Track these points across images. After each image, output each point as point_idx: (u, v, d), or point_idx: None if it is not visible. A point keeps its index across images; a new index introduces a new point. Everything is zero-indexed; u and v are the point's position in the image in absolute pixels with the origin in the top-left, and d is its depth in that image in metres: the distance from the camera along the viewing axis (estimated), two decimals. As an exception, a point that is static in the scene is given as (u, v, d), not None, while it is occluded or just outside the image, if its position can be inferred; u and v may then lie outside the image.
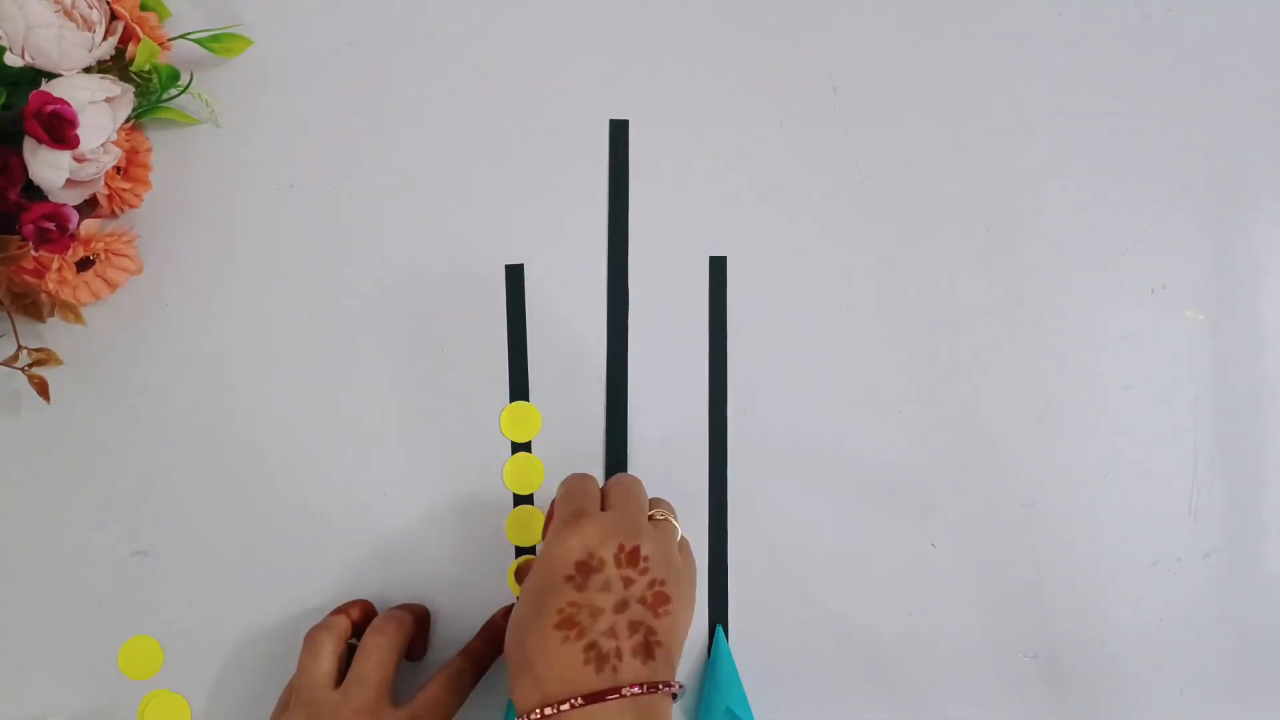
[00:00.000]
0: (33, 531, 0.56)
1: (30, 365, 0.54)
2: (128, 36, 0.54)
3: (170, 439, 0.57)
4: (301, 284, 0.59)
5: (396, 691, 0.51)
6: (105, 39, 0.53)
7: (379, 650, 0.50)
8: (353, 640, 0.53)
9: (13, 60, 0.50)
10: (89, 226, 0.54)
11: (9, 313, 0.54)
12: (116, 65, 0.54)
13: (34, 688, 0.56)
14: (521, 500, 0.58)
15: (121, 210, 0.57)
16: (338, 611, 0.54)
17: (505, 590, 0.58)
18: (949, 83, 0.63)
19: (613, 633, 0.43)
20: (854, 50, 0.63)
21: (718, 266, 0.61)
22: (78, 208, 0.53)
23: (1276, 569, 0.62)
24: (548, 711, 0.41)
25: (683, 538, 0.50)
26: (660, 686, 0.42)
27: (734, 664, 0.57)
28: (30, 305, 0.54)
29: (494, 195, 0.60)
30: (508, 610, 0.56)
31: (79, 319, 0.55)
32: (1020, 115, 0.63)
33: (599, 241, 0.61)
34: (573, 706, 0.41)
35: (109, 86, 0.52)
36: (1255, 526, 0.62)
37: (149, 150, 0.57)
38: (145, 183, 0.57)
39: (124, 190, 0.56)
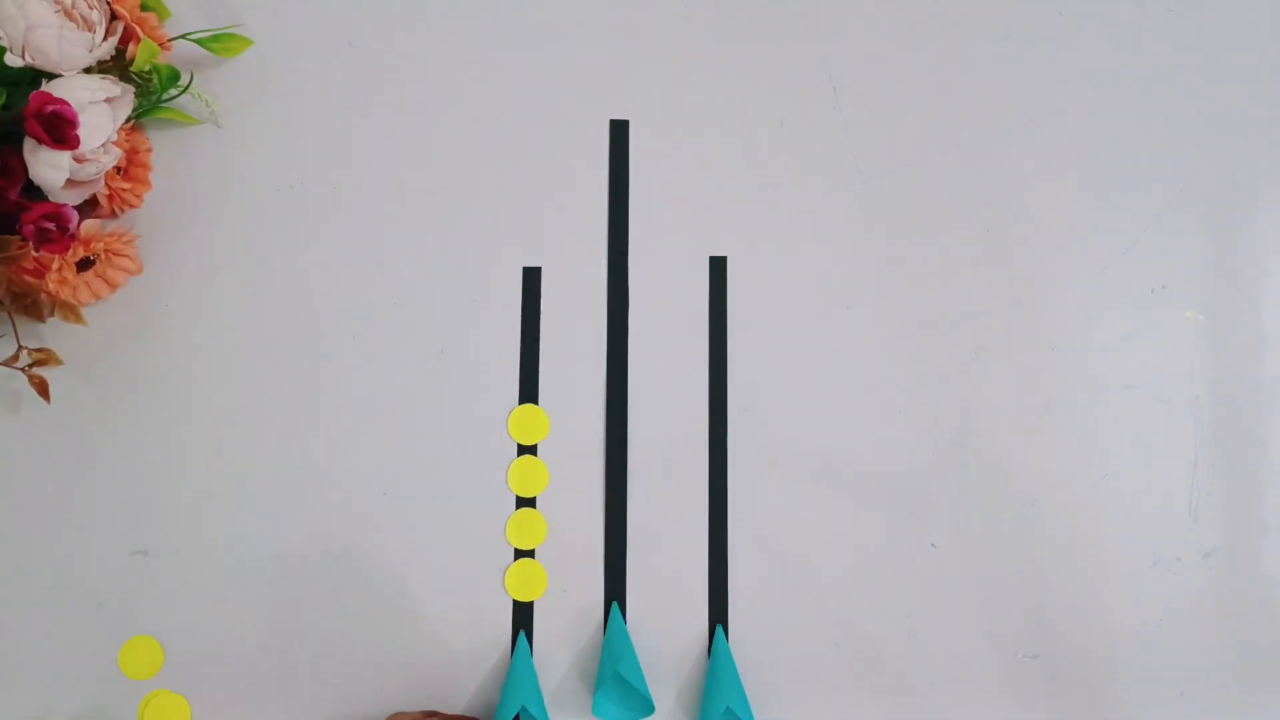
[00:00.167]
0: (33, 531, 0.56)
1: (30, 365, 0.54)
2: (128, 36, 0.54)
3: (170, 439, 0.57)
4: (301, 284, 0.59)
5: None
6: (105, 39, 0.53)
7: None
8: None
9: (13, 60, 0.50)
10: (89, 226, 0.54)
11: (9, 313, 0.54)
12: (116, 65, 0.54)
13: (34, 688, 0.56)
14: (524, 503, 0.58)
15: (121, 210, 0.57)
16: None
17: (502, 592, 0.58)
18: (949, 83, 0.63)
19: None
20: (854, 50, 0.63)
21: (718, 266, 0.61)
22: (78, 208, 0.53)
23: (1276, 569, 0.62)
24: None
25: None
26: None
27: (734, 664, 0.57)
28: (30, 305, 0.54)
29: (493, 195, 0.60)
30: None
31: (79, 319, 0.55)
32: (1020, 115, 0.63)
33: (599, 242, 0.61)
34: None
35: (109, 86, 0.52)
36: (1255, 526, 0.62)
37: (149, 150, 0.57)
38: (145, 183, 0.57)
39: (124, 190, 0.56)
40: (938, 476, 0.61)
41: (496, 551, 0.58)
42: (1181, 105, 0.64)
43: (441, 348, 0.59)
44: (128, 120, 0.54)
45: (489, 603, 0.58)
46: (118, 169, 0.55)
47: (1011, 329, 0.62)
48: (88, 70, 0.52)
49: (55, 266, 0.53)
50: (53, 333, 0.57)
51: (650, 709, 0.56)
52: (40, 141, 0.49)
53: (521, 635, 0.57)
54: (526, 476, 0.58)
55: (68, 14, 0.51)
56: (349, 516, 0.58)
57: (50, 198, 0.52)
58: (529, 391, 0.59)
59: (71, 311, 0.55)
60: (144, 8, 0.55)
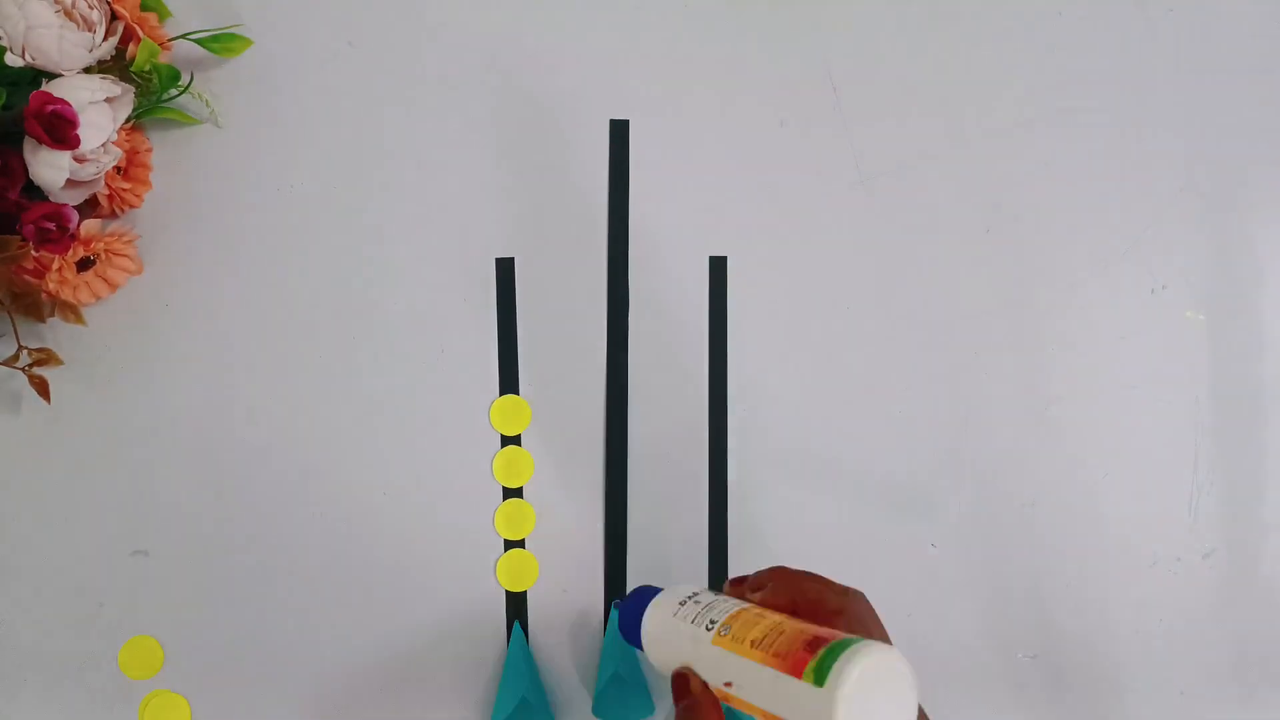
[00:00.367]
0: (33, 531, 0.56)
1: (30, 365, 0.54)
2: (128, 36, 0.54)
3: (170, 439, 0.57)
4: (301, 284, 0.59)
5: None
6: (105, 39, 0.53)
7: None
8: None
9: (13, 60, 0.50)
10: (89, 226, 0.54)
11: (9, 313, 0.54)
12: (117, 65, 0.54)
13: (34, 688, 0.56)
14: (511, 493, 0.58)
15: (122, 210, 0.57)
16: None
17: (492, 583, 0.58)
18: (949, 83, 0.63)
19: None
20: (854, 50, 0.63)
21: (718, 266, 0.61)
22: (78, 208, 0.53)
23: (1276, 569, 0.62)
24: None
25: None
26: None
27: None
28: (30, 305, 0.54)
29: (493, 194, 0.60)
30: None
31: (79, 319, 0.55)
32: (1020, 115, 0.63)
33: (599, 240, 0.61)
34: None
35: (109, 86, 0.52)
36: (1255, 526, 0.62)
37: (149, 150, 0.57)
38: (145, 183, 0.57)
39: (124, 190, 0.56)
40: (938, 476, 0.61)
41: (490, 544, 0.58)
42: (1181, 105, 0.64)
43: (441, 348, 0.59)
44: (128, 120, 0.54)
45: (483, 596, 0.58)
46: (118, 169, 0.55)
47: (1011, 329, 0.62)
48: (88, 70, 0.52)
49: (55, 266, 0.53)
50: (53, 333, 0.57)
51: (650, 709, 0.56)
52: (40, 141, 0.49)
53: (516, 625, 0.57)
54: (511, 467, 0.58)
55: (68, 14, 0.51)
56: (349, 516, 0.58)
57: (50, 198, 0.52)
58: (508, 382, 0.59)
59: (71, 311, 0.55)
60: (144, 8, 0.55)
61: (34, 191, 0.51)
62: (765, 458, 0.60)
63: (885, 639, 0.42)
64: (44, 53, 0.50)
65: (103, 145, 0.52)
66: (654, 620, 0.45)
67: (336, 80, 0.60)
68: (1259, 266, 0.64)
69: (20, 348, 0.54)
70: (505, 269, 0.60)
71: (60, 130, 0.49)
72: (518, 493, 0.58)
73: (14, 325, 0.54)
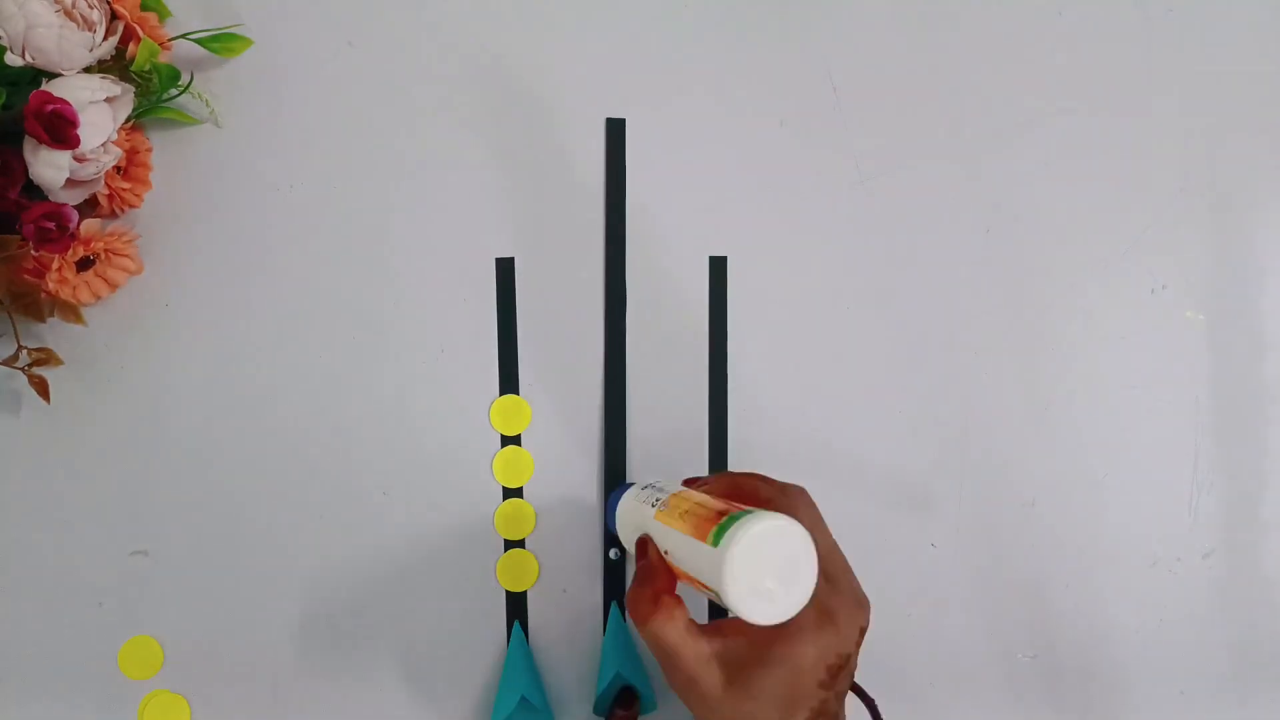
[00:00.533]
0: (33, 531, 0.56)
1: (30, 365, 0.54)
2: (128, 36, 0.54)
3: (170, 438, 0.57)
4: (301, 284, 0.59)
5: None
6: (105, 39, 0.53)
7: None
8: None
9: (13, 60, 0.50)
10: (89, 226, 0.54)
11: (9, 313, 0.54)
12: (117, 65, 0.54)
13: (34, 688, 0.56)
14: (511, 494, 0.58)
15: (121, 210, 0.57)
16: None
17: (492, 583, 0.58)
18: (949, 83, 0.63)
19: (839, 710, 0.45)
20: (854, 50, 0.63)
21: (718, 266, 0.61)
22: (78, 208, 0.53)
23: (1276, 569, 0.62)
24: None
25: None
26: None
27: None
28: (30, 305, 0.54)
29: (492, 194, 0.60)
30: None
31: (79, 319, 0.55)
32: (1020, 115, 0.63)
33: (596, 240, 0.61)
34: None
35: (109, 86, 0.52)
36: (1255, 526, 0.62)
37: (149, 150, 0.57)
38: (145, 183, 0.57)
39: (124, 190, 0.56)
40: (938, 476, 0.61)
41: (490, 543, 0.58)
42: (1181, 105, 0.64)
43: (441, 348, 0.59)
44: (128, 120, 0.54)
45: (483, 596, 0.58)
46: (118, 169, 0.55)
47: (1011, 329, 0.62)
48: (88, 70, 0.52)
49: (55, 266, 0.53)
50: (53, 333, 0.57)
51: (652, 708, 0.56)
52: (40, 141, 0.49)
53: (516, 625, 0.57)
54: (511, 467, 0.58)
55: (68, 14, 0.51)
56: (349, 516, 0.58)
57: (50, 197, 0.52)
58: (508, 382, 0.59)
59: (71, 311, 0.55)
60: (144, 7, 0.55)
61: (34, 191, 0.51)
62: (765, 458, 0.60)
63: (823, 535, 0.46)
64: (44, 52, 0.50)
65: (103, 145, 0.52)
66: (623, 505, 0.52)
67: (336, 80, 0.60)
68: (1259, 266, 0.64)
69: (20, 348, 0.54)
70: (505, 269, 0.60)
71: (60, 130, 0.49)
72: (518, 492, 0.58)
73: (14, 325, 0.54)
